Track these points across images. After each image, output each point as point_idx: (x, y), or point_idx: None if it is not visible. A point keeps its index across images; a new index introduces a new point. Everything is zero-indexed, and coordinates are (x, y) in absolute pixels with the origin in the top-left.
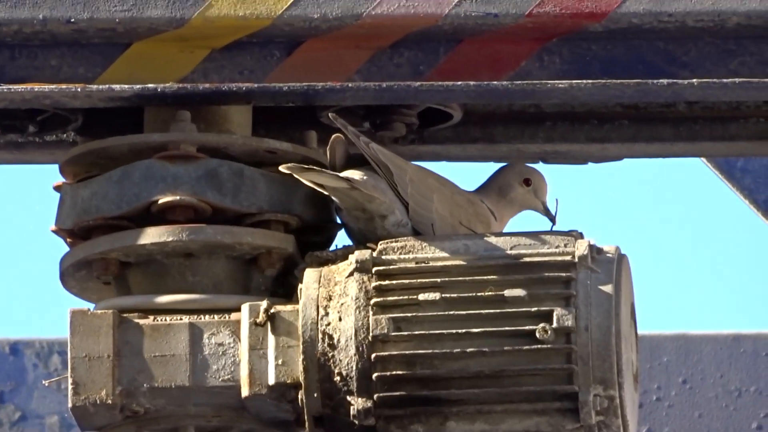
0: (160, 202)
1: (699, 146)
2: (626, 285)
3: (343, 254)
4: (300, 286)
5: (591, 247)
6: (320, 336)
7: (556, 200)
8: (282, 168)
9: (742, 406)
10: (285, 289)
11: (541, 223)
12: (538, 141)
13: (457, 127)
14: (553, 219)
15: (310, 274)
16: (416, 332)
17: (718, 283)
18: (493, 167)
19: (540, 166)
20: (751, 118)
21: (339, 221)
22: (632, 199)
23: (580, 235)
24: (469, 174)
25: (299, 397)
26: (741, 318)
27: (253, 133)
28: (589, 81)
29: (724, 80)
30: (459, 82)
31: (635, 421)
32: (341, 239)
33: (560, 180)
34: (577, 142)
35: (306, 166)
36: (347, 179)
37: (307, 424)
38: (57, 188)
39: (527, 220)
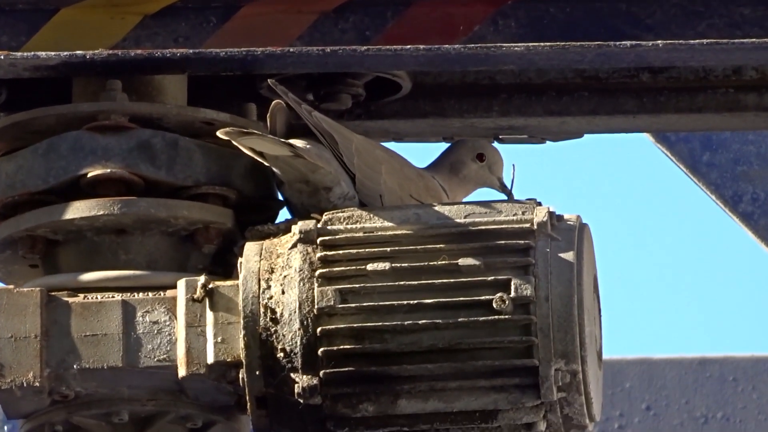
0: (89, 175)
1: (664, 119)
2: (588, 255)
3: (286, 227)
4: (240, 260)
5: (550, 214)
6: (262, 310)
7: (513, 166)
8: (220, 133)
9: None
10: (224, 268)
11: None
12: (492, 115)
13: (406, 100)
14: (510, 195)
15: (250, 247)
16: (364, 304)
17: (684, 303)
18: (443, 147)
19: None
20: (720, 89)
21: (281, 198)
22: (589, 196)
23: (538, 204)
24: (419, 154)
25: (240, 376)
26: (707, 341)
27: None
28: (547, 44)
29: (692, 42)
30: (408, 47)
31: (600, 402)
32: (283, 218)
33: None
34: (534, 116)
35: (245, 130)
36: (290, 145)
37: (248, 405)
38: None
39: (482, 193)
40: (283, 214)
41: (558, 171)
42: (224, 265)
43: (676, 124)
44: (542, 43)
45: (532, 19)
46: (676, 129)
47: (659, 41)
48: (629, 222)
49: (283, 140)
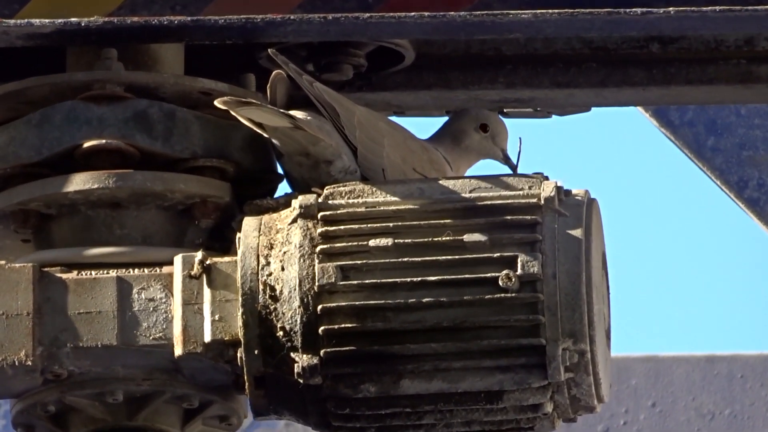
0: (84, 146)
1: (675, 91)
2: (597, 231)
3: (286, 202)
4: (238, 235)
5: (558, 189)
6: (261, 287)
7: (520, 139)
8: (218, 102)
9: (715, 429)
10: (222, 243)
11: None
12: (498, 86)
13: (409, 71)
14: (514, 168)
15: (249, 222)
16: (366, 281)
17: (690, 295)
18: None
19: None
20: (731, 60)
21: (280, 171)
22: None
23: (545, 178)
24: (421, 129)
25: (238, 355)
26: (715, 339)
27: None
28: (555, 11)
29: (704, 9)
30: (412, 13)
31: (608, 383)
32: (283, 192)
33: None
34: (541, 88)
35: (244, 100)
36: (290, 116)
37: (247, 385)
38: None
39: (488, 167)
40: (283, 188)
41: (556, 159)
42: (222, 241)
43: (687, 97)
44: (550, 10)
45: None
46: (686, 102)
47: (670, 8)
48: (630, 212)
49: (283, 111)
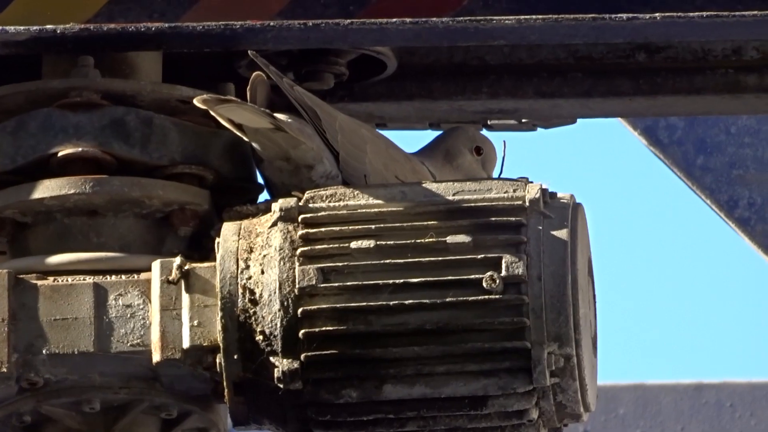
0: (59, 154)
1: (661, 101)
2: (583, 235)
3: (266, 208)
4: (217, 240)
5: (543, 191)
6: (240, 291)
7: (504, 143)
8: (197, 100)
9: None
10: (200, 252)
11: None
12: (481, 97)
13: (391, 81)
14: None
15: (228, 227)
16: (348, 284)
17: (679, 319)
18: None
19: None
20: (719, 69)
21: (260, 181)
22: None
23: (530, 182)
24: (404, 143)
25: (217, 361)
26: (703, 366)
27: None
28: (539, 17)
29: (691, 15)
30: (394, 20)
31: (594, 390)
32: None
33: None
34: (525, 98)
35: (224, 98)
36: (271, 115)
37: (226, 391)
38: None
39: None
40: (263, 199)
41: (542, 174)
42: (201, 250)
43: (674, 107)
44: (534, 17)
45: None
46: (673, 112)
47: (657, 14)
48: (617, 234)
49: (263, 110)
